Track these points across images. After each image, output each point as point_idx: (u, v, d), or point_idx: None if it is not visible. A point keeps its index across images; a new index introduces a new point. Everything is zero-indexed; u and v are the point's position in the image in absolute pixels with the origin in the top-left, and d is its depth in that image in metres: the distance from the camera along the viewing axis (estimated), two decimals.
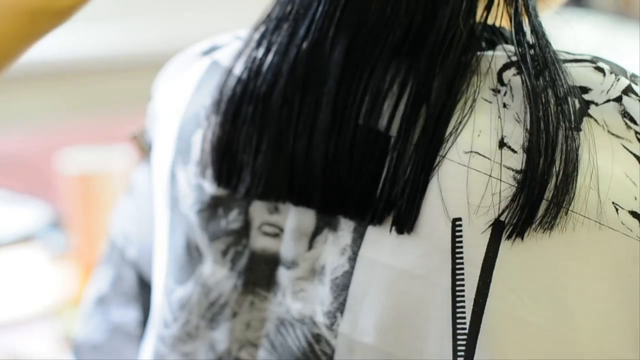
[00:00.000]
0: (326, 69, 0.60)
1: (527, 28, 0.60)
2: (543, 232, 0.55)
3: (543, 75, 0.57)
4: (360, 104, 0.59)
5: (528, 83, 0.57)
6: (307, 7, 0.62)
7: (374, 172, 0.59)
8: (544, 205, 0.55)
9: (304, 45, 0.61)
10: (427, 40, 0.58)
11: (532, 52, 0.59)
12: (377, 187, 0.59)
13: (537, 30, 0.59)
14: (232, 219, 0.65)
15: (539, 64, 0.58)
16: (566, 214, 0.55)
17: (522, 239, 0.55)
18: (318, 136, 0.61)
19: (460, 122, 0.58)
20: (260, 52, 0.64)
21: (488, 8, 0.60)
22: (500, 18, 0.61)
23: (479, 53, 0.59)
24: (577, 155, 0.56)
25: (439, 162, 0.58)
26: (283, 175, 0.62)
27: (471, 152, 0.57)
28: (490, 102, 0.58)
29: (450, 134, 0.58)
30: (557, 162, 0.55)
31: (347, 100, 0.59)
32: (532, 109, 0.57)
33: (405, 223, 0.58)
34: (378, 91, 0.59)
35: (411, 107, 0.58)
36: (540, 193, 0.55)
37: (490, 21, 0.61)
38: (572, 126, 0.56)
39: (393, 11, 0.59)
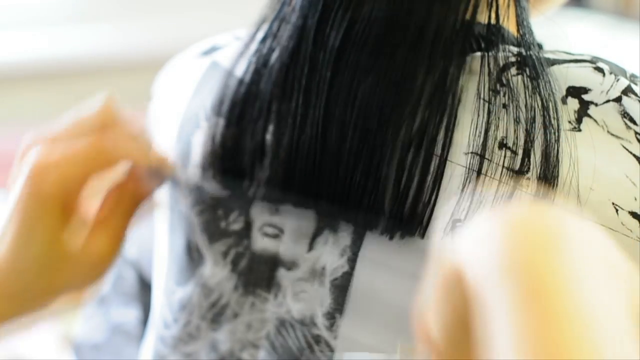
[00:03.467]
0: (329, 68, 0.60)
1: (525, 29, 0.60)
2: None
3: (543, 76, 0.57)
4: (356, 106, 0.59)
5: (529, 84, 0.57)
6: (307, 5, 0.61)
7: (383, 180, 0.59)
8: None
9: (307, 44, 0.61)
10: (424, 40, 0.58)
11: (533, 52, 0.59)
12: (385, 195, 0.58)
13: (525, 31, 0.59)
14: (232, 220, 0.65)
15: (541, 65, 0.58)
16: None
17: None
18: (321, 134, 0.61)
19: (459, 123, 0.58)
20: (264, 52, 0.64)
21: (488, 8, 0.60)
22: (502, 18, 0.61)
23: (478, 53, 0.59)
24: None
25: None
26: (292, 178, 0.62)
27: (471, 153, 0.57)
28: (489, 103, 0.58)
29: (451, 134, 0.58)
30: (553, 163, 0.55)
31: (344, 101, 0.59)
32: (532, 110, 0.57)
33: (412, 232, 0.58)
34: (376, 95, 0.59)
35: (412, 110, 0.58)
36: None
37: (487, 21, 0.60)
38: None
39: (393, 8, 0.59)
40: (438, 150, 0.57)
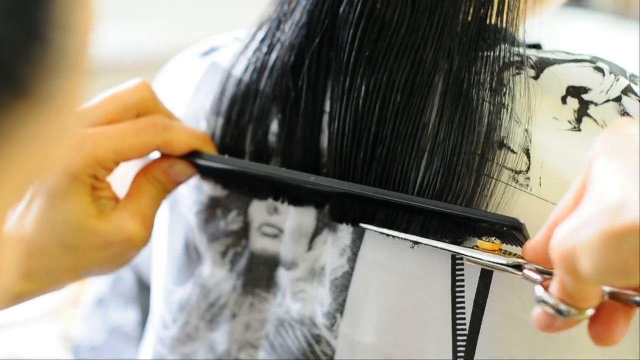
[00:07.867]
0: (337, 67, 0.60)
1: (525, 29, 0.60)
2: None
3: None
4: (377, 107, 0.59)
5: (530, 84, 0.57)
6: (313, 4, 0.61)
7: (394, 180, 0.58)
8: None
9: (313, 43, 0.61)
10: (427, 40, 0.58)
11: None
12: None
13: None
14: (231, 220, 0.65)
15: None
16: None
17: None
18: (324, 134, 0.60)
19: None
20: (264, 52, 0.64)
21: (487, 8, 0.60)
22: (502, 18, 0.61)
23: (478, 53, 0.59)
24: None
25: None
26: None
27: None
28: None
29: (453, 134, 0.57)
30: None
31: (350, 99, 0.59)
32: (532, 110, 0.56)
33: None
34: (381, 93, 0.59)
35: (415, 110, 0.58)
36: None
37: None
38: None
39: (395, 9, 0.59)
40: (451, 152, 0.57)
